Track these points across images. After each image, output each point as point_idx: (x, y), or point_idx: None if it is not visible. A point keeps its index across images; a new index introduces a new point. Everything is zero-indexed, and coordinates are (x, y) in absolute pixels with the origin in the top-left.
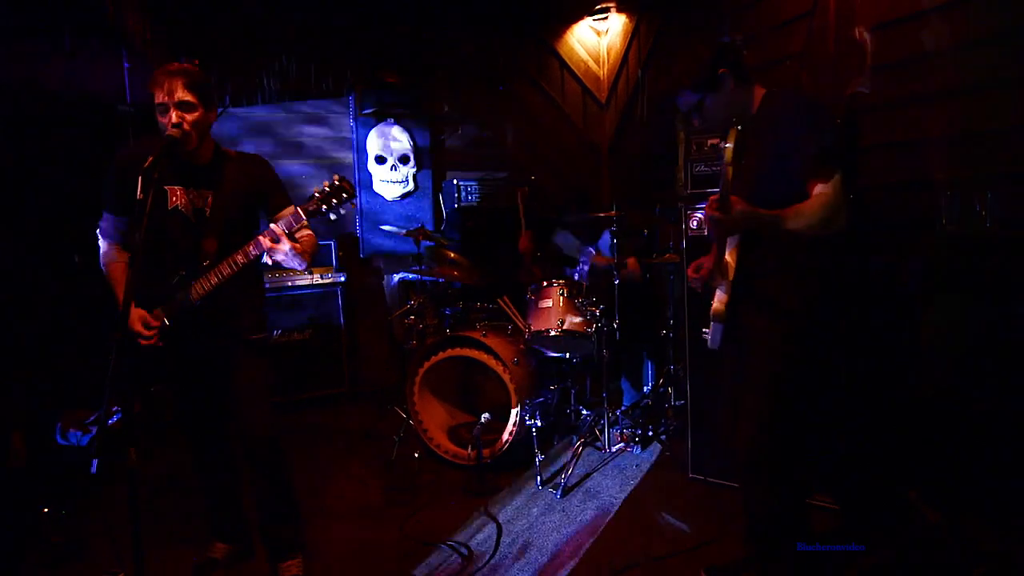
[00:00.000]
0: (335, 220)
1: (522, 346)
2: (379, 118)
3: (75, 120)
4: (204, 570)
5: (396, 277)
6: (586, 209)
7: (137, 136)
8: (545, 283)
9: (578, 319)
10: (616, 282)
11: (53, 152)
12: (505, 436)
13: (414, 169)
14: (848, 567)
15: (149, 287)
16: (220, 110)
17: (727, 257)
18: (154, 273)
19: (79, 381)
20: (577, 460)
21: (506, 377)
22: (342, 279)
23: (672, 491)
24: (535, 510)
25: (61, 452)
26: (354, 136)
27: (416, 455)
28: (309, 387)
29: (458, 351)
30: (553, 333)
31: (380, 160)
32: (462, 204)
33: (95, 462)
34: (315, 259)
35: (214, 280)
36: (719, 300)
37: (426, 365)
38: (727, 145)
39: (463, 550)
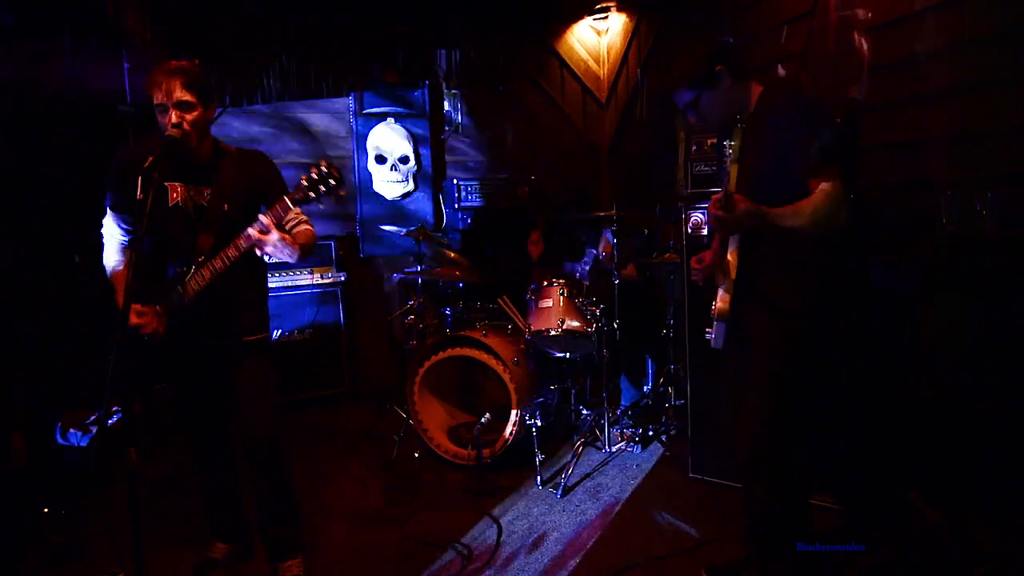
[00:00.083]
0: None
1: (522, 346)
2: (379, 118)
3: (75, 120)
4: (204, 570)
5: (396, 277)
6: (586, 209)
7: (137, 136)
8: (545, 283)
9: (578, 319)
10: (616, 281)
11: (53, 152)
12: (505, 436)
13: (414, 169)
14: (848, 567)
15: (150, 285)
16: (219, 110)
17: (729, 256)
18: (155, 271)
19: (79, 381)
20: (577, 460)
21: (506, 377)
22: (342, 279)
23: (672, 491)
24: (535, 510)
25: (61, 452)
26: (354, 136)
27: (416, 455)
28: (309, 387)
29: (458, 351)
30: (553, 333)
31: (380, 160)
32: (462, 204)
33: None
34: (315, 259)
35: (207, 275)
36: (722, 299)
37: (426, 365)
38: (731, 143)
39: (463, 550)
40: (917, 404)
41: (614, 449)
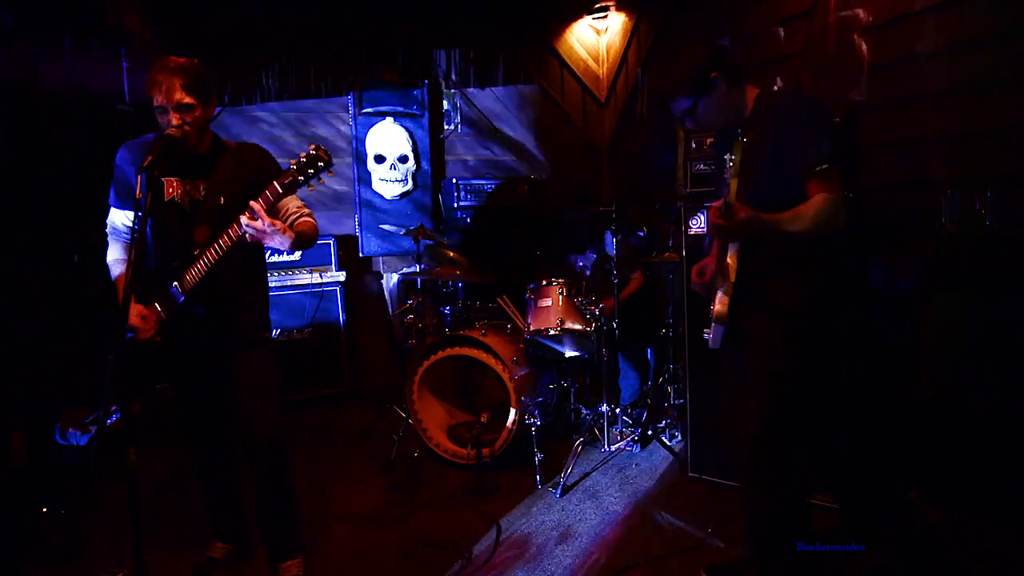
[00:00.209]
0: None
1: (522, 345)
2: (378, 117)
3: (75, 120)
4: (204, 570)
5: (396, 277)
6: (585, 208)
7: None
8: (545, 282)
9: (578, 318)
10: (615, 281)
11: (53, 152)
12: (505, 435)
13: (413, 168)
14: (848, 567)
15: (150, 282)
16: (218, 110)
17: (728, 259)
18: (155, 268)
19: (79, 381)
20: (577, 459)
21: (505, 376)
22: (342, 279)
23: (672, 490)
24: (535, 509)
25: (61, 452)
26: (354, 135)
27: (416, 455)
28: (309, 387)
29: (457, 350)
30: (553, 332)
31: (379, 159)
32: (462, 204)
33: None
34: (315, 258)
35: (202, 267)
36: (720, 302)
37: (425, 364)
38: (732, 157)
39: (463, 550)
40: (917, 404)
41: (613, 448)
